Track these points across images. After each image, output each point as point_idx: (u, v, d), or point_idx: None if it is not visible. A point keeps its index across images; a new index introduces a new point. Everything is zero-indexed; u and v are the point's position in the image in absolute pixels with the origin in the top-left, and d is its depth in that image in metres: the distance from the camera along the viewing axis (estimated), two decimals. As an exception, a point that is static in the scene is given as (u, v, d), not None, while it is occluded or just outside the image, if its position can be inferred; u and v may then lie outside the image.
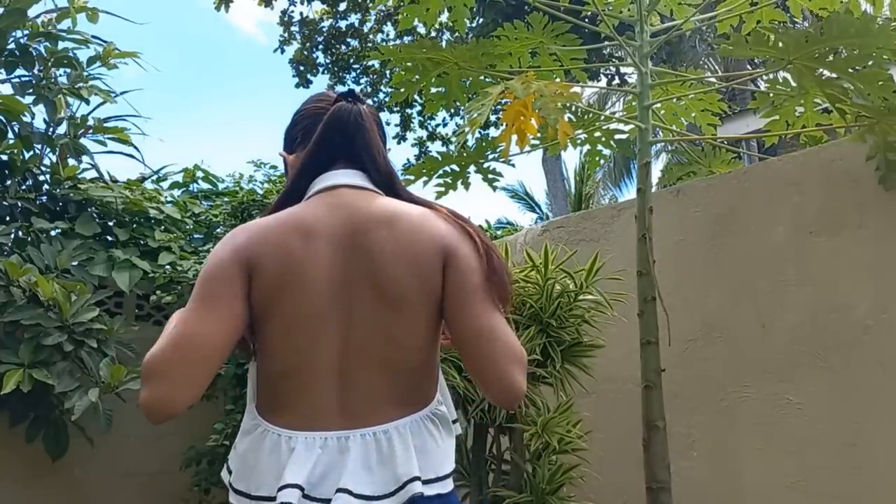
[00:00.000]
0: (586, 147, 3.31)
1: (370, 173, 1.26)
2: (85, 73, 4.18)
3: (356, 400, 1.15)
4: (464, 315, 1.16)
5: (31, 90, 4.02)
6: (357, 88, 13.55)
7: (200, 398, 1.14)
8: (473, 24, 11.04)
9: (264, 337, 1.18)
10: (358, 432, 1.13)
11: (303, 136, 1.32)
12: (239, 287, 1.14)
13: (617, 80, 12.56)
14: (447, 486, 1.16)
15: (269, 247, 1.16)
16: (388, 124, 13.77)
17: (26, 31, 4.00)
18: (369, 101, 1.40)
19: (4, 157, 3.96)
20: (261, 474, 1.12)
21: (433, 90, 2.91)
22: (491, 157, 3.03)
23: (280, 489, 1.08)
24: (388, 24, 13.39)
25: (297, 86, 13.52)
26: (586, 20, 3.05)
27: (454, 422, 1.26)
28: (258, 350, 1.20)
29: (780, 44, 2.26)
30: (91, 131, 4.24)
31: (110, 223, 4.22)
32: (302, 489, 1.08)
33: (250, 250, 1.16)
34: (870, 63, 2.24)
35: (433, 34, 11.86)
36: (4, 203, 3.87)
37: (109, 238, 4.18)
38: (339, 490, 1.08)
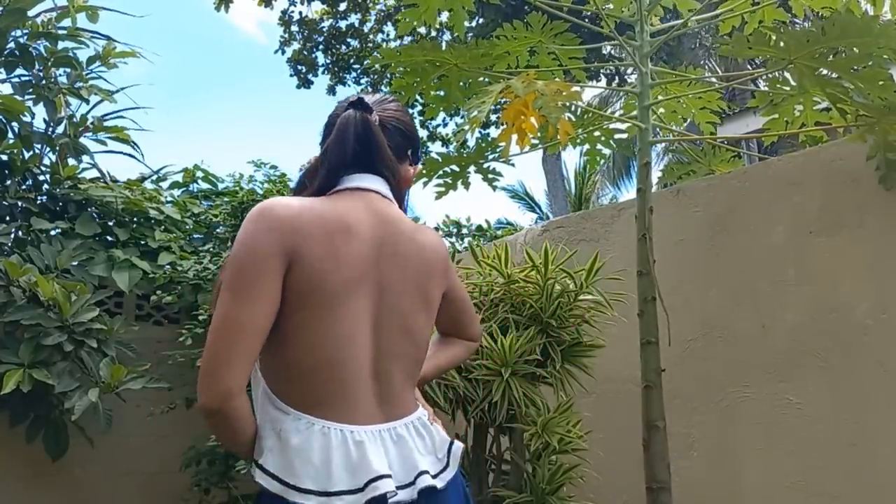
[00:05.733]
0: (586, 146, 3.30)
1: (391, 184, 1.37)
2: (85, 73, 4.18)
3: (388, 391, 1.26)
4: (460, 297, 1.51)
5: (30, 90, 4.02)
6: (357, 89, 13.57)
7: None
8: (473, 24, 11.04)
9: (297, 325, 1.17)
10: (401, 423, 1.26)
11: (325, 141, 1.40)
12: (277, 271, 1.15)
13: (617, 81, 12.55)
14: None
15: (314, 237, 1.18)
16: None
17: (26, 31, 4.00)
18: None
19: (4, 157, 3.96)
20: (334, 469, 1.14)
21: (433, 93, 2.91)
22: (491, 157, 3.03)
23: (371, 481, 1.14)
24: (388, 23, 13.38)
25: (298, 86, 13.52)
26: (586, 20, 3.05)
27: None
28: (283, 339, 1.18)
29: (781, 43, 2.26)
30: (91, 131, 4.24)
31: (110, 223, 4.22)
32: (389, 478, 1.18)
33: (295, 237, 1.16)
34: (870, 63, 2.24)
35: (433, 34, 11.85)
36: (4, 203, 3.87)
37: (109, 238, 4.18)
38: (421, 472, 1.22)
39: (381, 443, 1.21)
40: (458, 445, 1.31)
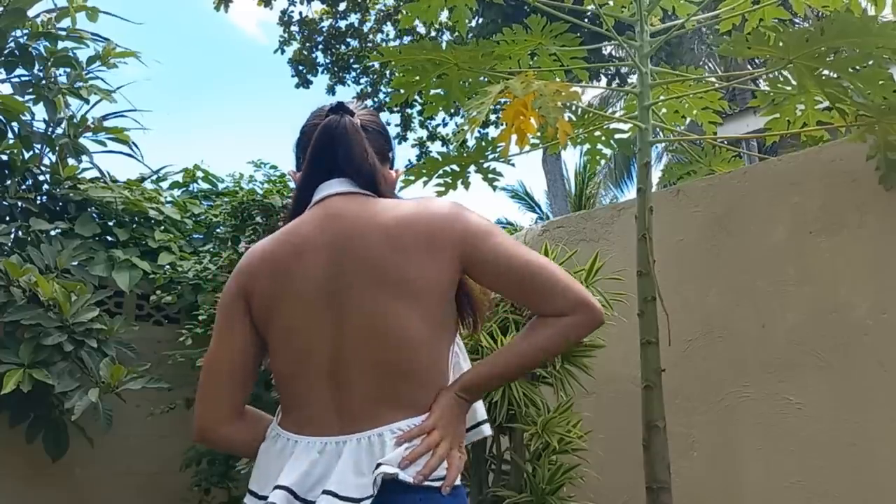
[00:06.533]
0: (586, 146, 3.30)
1: (354, 178, 1.29)
2: (84, 73, 4.18)
3: (349, 401, 1.18)
4: (500, 263, 1.19)
5: (30, 90, 4.03)
6: (357, 89, 13.57)
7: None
8: (473, 24, 11.04)
9: (271, 346, 1.27)
10: (354, 437, 1.15)
11: (304, 154, 1.36)
12: (241, 312, 1.26)
13: (617, 81, 12.56)
14: (441, 488, 1.14)
15: (264, 266, 1.26)
16: (388, 124, 13.73)
17: (26, 31, 4.01)
18: (368, 102, 1.41)
19: (4, 157, 3.96)
20: (268, 476, 1.20)
21: (433, 92, 2.91)
22: (491, 156, 3.03)
23: (273, 489, 1.14)
24: (388, 23, 13.38)
25: (298, 86, 13.52)
26: (586, 20, 3.05)
27: (478, 424, 1.29)
28: (270, 361, 1.31)
29: (781, 43, 2.26)
30: (91, 131, 4.25)
31: (110, 223, 4.22)
32: (292, 492, 1.13)
33: (247, 275, 1.28)
34: (870, 62, 2.23)
35: (433, 34, 11.86)
36: (4, 203, 3.88)
37: (109, 238, 4.19)
38: (324, 492, 1.11)
39: (315, 454, 1.15)
40: (381, 469, 1.09)
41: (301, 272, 1.22)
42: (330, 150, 1.29)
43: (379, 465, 1.11)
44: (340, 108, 1.33)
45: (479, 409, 1.30)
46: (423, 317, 1.17)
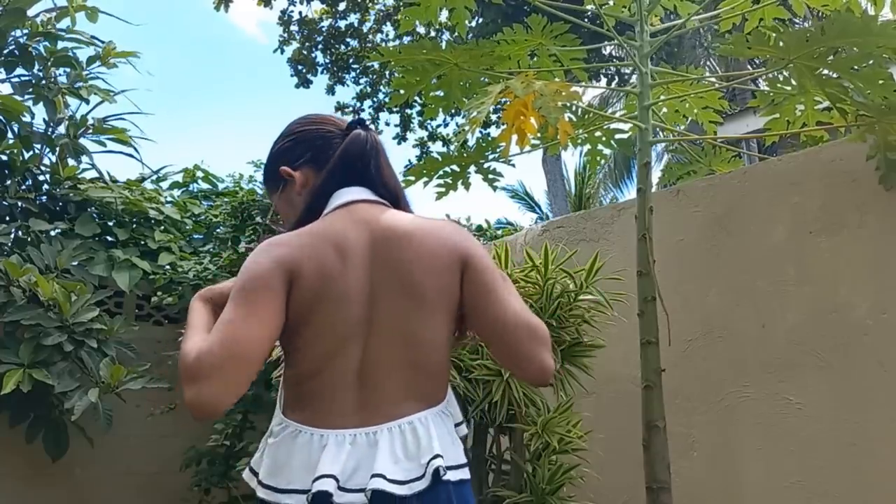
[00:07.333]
0: (587, 147, 3.30)
1: (378, 190, 1.37)
2: (84, 73, 4.18)
3: (373, 398, 1.23)
4: (488, 303, 1.24)
5: (30, 90, 4.02)
6: (357, 89, 13.58)
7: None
8: (473, 24, 11.04)
9: (297, 342, 1.25)
10: (385, 426, 1.21)
11: (312, 156, 1.40)
12: (282, 296, 1.20)
13: (617, 81, 12.56)
14: (467, 474, 1.27)
15: (309, 259, 1.23)
16: (387, 125, 13.81)
17: (26, 31, 4.00)
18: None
19: (4, 157, 3.96)
20: (292, 469, 1.19)
21: (432, 94, 2.91)
22: (491, 157, 3.03)
23: (315, 480, 1.15)
24: (388, 23, 13.38)
25: (297, 86, 13.52)
26: (587, 20, 3.05)
27: (458, 424, 1.34)
28: (287, 354, 1.28)
29: (781, 43, 2.26)
30: (91, 131, 4.25)
31: (110, 223, 4.22)
32: (337, 480, 1.15)
33: (292, 262, 1.22)
34: (870, 62, 2.23)
35: (433, 34, 11.86)
36: (4, 203, 3.88)
37: (109, 238, 4.19)
38: (374, 475, 1.15)
39: (348, 445, 1.19)
40: (436, 463, 1.17)
41: (346, 273, 1.23)
42: (361, 161, 1.36)
43: (435, 456, 1.18)
44: (362, 123, 1.41)
45: (457, 409, 1.37)
46: (440, 321, 1.27)
